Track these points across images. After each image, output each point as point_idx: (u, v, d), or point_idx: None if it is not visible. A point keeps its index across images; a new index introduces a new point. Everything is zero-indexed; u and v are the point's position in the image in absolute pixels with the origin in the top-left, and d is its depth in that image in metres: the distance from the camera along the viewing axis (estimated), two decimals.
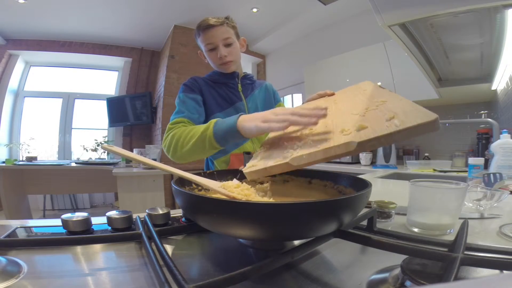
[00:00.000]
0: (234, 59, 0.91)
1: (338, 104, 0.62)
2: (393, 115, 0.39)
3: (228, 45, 0.89)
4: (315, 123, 0.47)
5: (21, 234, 0.43)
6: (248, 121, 0.57)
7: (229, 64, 0.91)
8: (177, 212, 0.53)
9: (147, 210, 0.46)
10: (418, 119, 0.34)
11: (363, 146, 0.35)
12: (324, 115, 0.47)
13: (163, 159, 2.98)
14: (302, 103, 0.90)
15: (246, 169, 0.45)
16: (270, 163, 0.43)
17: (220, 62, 0.90)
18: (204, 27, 0.87)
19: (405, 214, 0.51)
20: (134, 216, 0.45)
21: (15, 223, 0.48)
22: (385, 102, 0.45)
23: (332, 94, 0.78)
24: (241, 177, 0.55)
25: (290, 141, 0.48)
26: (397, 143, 2.26)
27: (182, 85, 0.92)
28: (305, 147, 0.42)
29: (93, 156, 3.40)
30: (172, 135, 0.75)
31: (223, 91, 0.94)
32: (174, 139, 0.73)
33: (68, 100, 3.71)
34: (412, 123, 0.34)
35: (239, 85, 0.98)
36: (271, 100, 1.05)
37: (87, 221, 0.41)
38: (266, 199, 0.43)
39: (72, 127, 3.75)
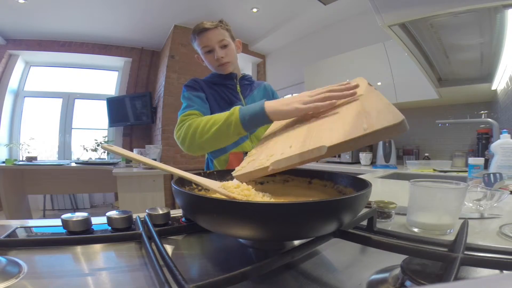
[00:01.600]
0: (230, 60, 0.93)
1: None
2: (365, 116, 0.40)
3: (224, 46, 0.91)
4: (352, 94, 0.52)
5: (21, 234, 0.43)
6: (282, 105, 0.60)
7: (227, 65, 0.93)
8: (177, 212, 0.53)
9: (147, 210, 0.46)
10: (385, 121, 0.34)
11: (333, 150, 0.37)
12: (355, 91, 0.53)
13: (163, 159, 2.98)
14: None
15: (235, 172, 0.49)
16: (255, 165, 0.45)
17: (217, 64, 0.92)
18: (199, 31, 0.89)
19: (405, 214, 0.51)
20: (134, 216, 0.45)
21: (15, 223, 0.48)
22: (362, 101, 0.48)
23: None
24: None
25: (280, 143, 0.50)
26: (397, 143, 2.26)
27: (184, 86, 0.93)
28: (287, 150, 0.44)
29: (93, 156, 3.40)
30: (189, 124, 0.75)
31: (222, 92, 0.96)
32: (191, 128, 0.73)
33: (68, 100, 3.71)
34: (379, 126, 0.34)
35: (238, 86, 1.00)
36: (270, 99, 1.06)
37: (87, 221, 0.41)
38: (266, 199, 0.43)
39: (72, 127, 3.75)
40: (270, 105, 0.61)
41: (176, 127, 0.80)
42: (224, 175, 0.54)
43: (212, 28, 0.89)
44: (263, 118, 0.62)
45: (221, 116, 0.68)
